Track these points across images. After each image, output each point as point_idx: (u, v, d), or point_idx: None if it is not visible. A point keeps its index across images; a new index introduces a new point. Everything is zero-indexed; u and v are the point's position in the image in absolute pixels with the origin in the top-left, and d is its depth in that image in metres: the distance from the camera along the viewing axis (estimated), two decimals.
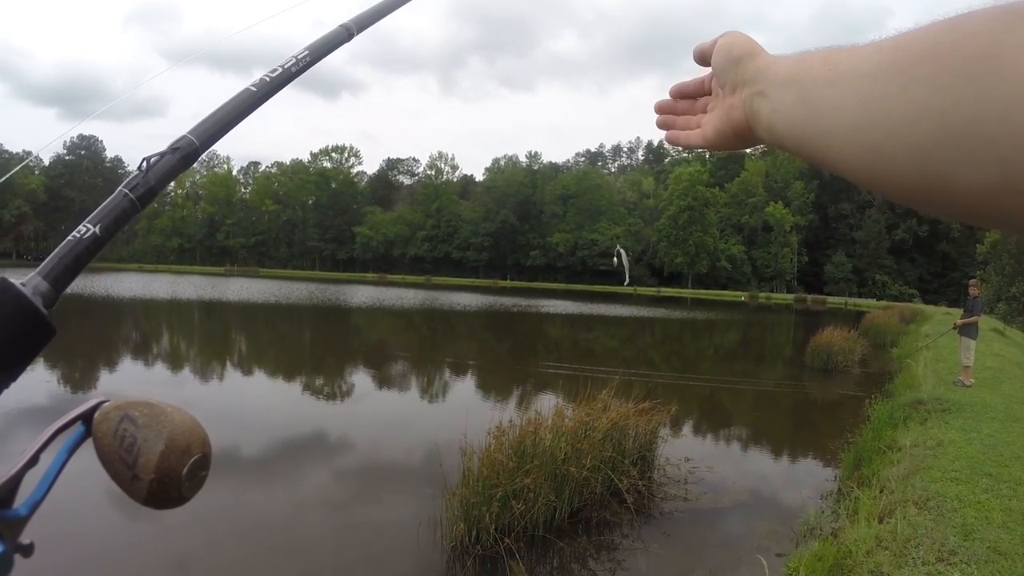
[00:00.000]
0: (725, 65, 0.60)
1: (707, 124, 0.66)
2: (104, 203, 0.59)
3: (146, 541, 5.64)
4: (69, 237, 0.56)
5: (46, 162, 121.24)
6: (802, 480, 8.22)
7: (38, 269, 0.53)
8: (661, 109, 0.74)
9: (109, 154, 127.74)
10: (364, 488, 7.54)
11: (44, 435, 0.42)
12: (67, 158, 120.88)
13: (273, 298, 41.77)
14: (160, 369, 15.05)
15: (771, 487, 8.10)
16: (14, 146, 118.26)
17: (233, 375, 15.23)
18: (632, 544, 6.04)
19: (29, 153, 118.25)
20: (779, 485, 8.14)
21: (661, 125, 0.74)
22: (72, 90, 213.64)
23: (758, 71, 0.56)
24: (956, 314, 14.50)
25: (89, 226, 0.56)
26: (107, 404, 0.44)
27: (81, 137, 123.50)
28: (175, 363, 16.11)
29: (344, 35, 0.88)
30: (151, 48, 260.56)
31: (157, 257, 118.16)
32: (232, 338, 23.10)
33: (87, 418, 0.43)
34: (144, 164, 0.61)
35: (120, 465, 0.41)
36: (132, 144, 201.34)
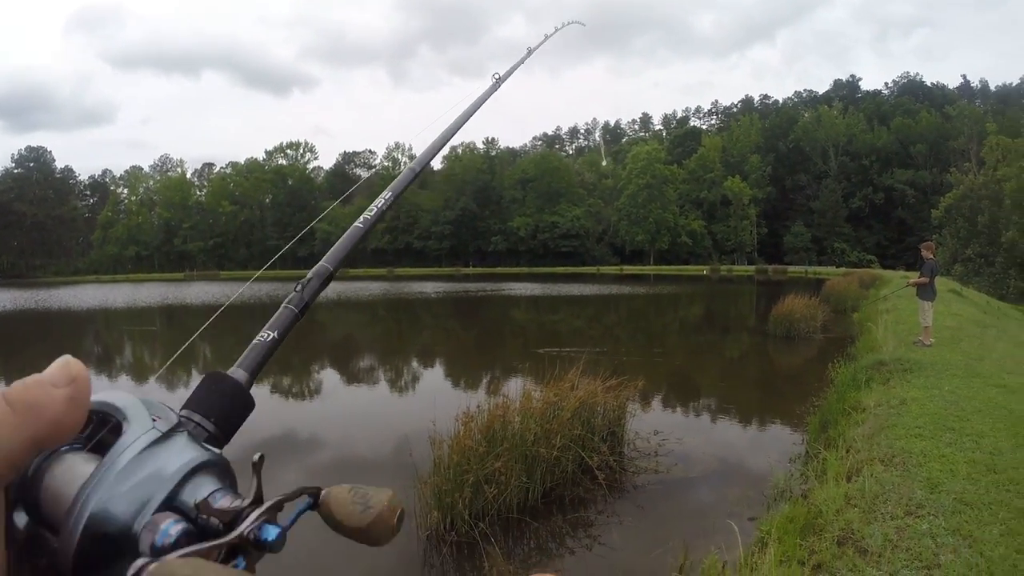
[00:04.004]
0: None
1: None
2: (275, 315, 0.81)
3: None
4: (256, 340, 0.76)
5: None
6: (770, 446, 8.32)
7: (238, 362, 0.71)
8: None
9: (59, 164, 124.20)
10: (334, 483, 7.44)
11: (278, 497, 0.53)
12: (16, 171, 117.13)
13: (234, 299, 41.00)
14: (124, 380, 14.72)
15: (740, 454, 8.19)
16: None
17: (196, 378, 14.91)
18: (607, 520, 6.06)
19: None
20: (748, 452, 8.24)
21: None
22: (16, 101, 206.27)
23: None
24: (913, 275, 14.82)
25: (270, 332, 0.78)
26: (335, 487, 0.58)
27: (29, 148, 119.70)
28: (139, 373, 15.76)
29: (410, 175, 1.21)
30: (94, 55, 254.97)
31: (114, 267, 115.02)
32: (194, 342, 22.65)
33: (314, 494, 0.57)
34: (299, 287, 0.88)
35: (354, 507, 0.56)
36: (83, 152, 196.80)
